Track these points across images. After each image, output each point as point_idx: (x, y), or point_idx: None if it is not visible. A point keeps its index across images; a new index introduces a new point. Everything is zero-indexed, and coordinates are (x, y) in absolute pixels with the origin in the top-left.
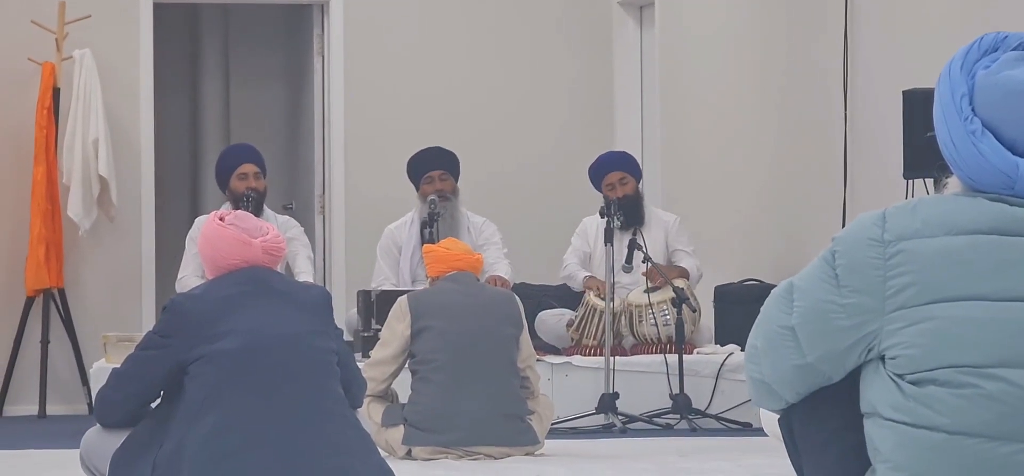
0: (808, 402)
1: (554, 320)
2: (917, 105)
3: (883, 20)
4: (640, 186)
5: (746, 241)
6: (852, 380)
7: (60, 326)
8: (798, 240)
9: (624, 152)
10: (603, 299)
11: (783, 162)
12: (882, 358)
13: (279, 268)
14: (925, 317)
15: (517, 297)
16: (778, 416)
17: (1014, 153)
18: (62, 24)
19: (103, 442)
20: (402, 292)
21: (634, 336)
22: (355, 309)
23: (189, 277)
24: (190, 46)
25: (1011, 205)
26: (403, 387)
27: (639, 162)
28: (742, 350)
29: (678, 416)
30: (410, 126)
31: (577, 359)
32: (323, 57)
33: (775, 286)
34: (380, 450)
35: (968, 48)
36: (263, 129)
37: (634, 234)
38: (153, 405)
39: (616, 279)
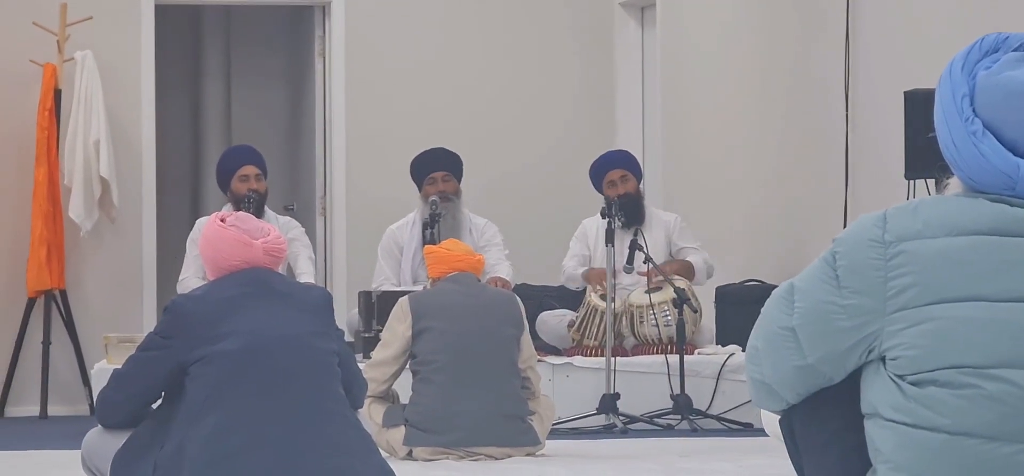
0: (809, 403)
1: (555, 321)
2: (918, 106)
3: (884, 21)
4: (641, 186)
5: (747, 242)
6: (853, 381)
7: (61, 327)
8: (799, 241)
9: (625, 151)
10: (603, 298)
11: (784, 163)
12: (883, 359)
13: (280, 269)
14: (926, 318)
15: (518, 298)
16: (779, 417)
17: (1015, 154)
18: (63, 26)
19: (104, 443)
20: (403, 293)
21: (635, 337)
22: (356, 310)
23: (190, 279)
24: (191, 47)
25: (1012, 206)
26: (404, 388)
27: (640, 163)
28: (743, 351)
29: (679, 417)
30: (411, 127)
31: (578, 360)
32: (324, 58)
33: (776, 287)
34: (381, 451)
35: (969, 49)
36: (264, 130)
37: (635, 234)
38: (154, 406)
39: (617, 280)
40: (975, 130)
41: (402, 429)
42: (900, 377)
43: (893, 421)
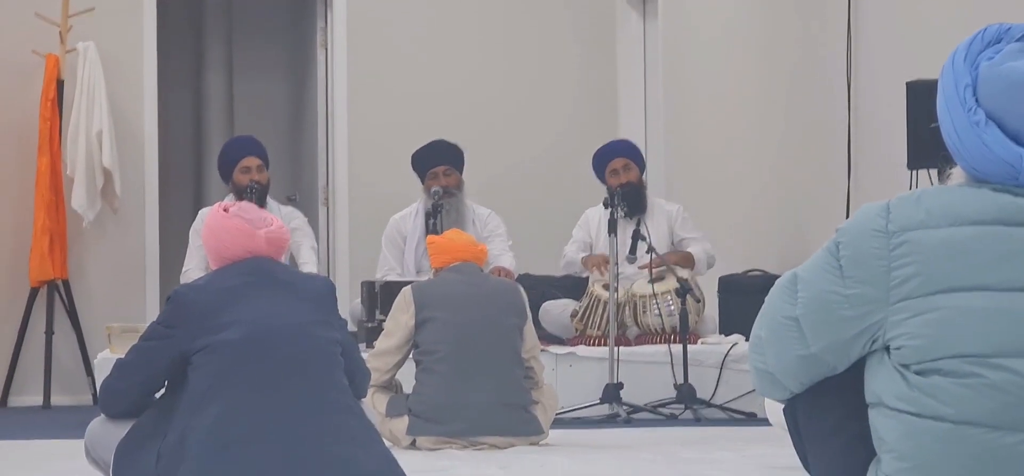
0: (812, 392)
1: (558, 310)
2: (921, 96)
3: (886, 11)
4: (644, 176)
5: (750, 232)
6: (856, 370)
7: (64, 317)
8: (802, 231)
9: (628, 140)
10: (606, 288)
11: (787, 153)
12: (887, 348)
13: (283, 259)
14: (930, 307)
15: (521, 288)
16: (783, 406)
17: (1018, 143)
18: (66, 17)
19: (107, 432)
20: (406, 283)
21: (638, 326)
22: (359, 300)
23: (193, 270)
24: (194, 38)
25: (1015, 195)
26: (408, 377)
27: (643, 154)
28: (746, 340)
29: (682, 406)
30: (413, 118)
31: (581, 349)
32: (326, 49)
33: (779, 277)
34: (384, 440)
35: (971, 39)
36: (267, 121)
37: (638, 224)
38: (157, 395)
39: (620, 269)
40: (978, 120)
41: (405, 419)
42: (904, 366)
43: (897, 410)
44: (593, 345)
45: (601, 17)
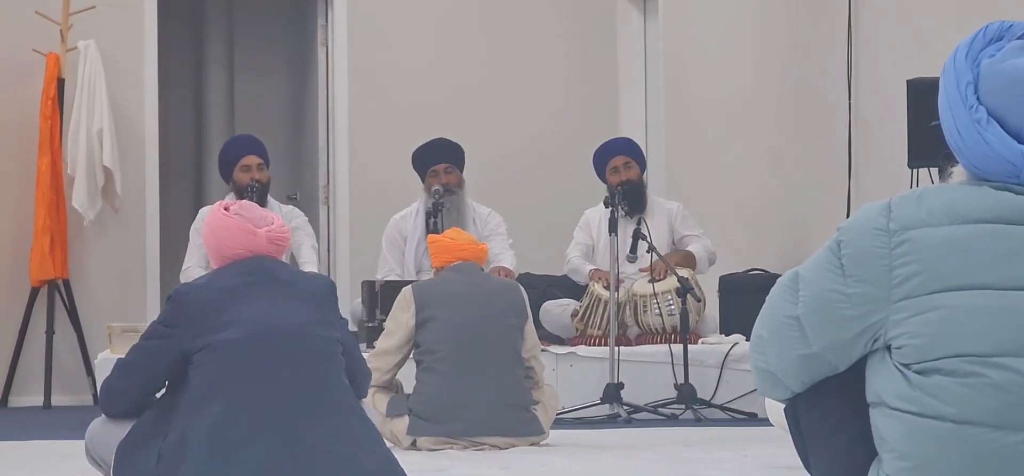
0: (814, 391)
1: (559, 310)
2: (922, 94)
3: (888, 9)
4: (644, 175)
5: (751, 231)
6: (857, 369)
7: (65, 317)
8: (803, 230)
9: (629, 138)
10: (607, 288)
11: (788, 151)
12: (888, 348)
13: (284, 258)
14: (931, 306)
15: (521, 287)
16: (784, 405)
17: (1019, 141)
18: (66, 15)
19: (108, 432)
20: (406, 282)
21: (639, 326)
22: (359, 299)
23: (193, 268)
24: (194, 37)
25: (1017, 194)
26: (408, 377)
27: (643, 152)
28: (747, 340)
29: (683, 406)
30: (414, 116)
31: (582, 349)
32: (327, 47)
33: (780, 276)
34: (385, 440)
35: (973, 37)
36: (267, 119)
37: (638, 224)
38: (158, 395)
39: (621, 269)
40: (979, 118)
41: (406, 419)
42: (905, 366)
43: (898, 410)
44: (594, 345)
45: (602, 15)
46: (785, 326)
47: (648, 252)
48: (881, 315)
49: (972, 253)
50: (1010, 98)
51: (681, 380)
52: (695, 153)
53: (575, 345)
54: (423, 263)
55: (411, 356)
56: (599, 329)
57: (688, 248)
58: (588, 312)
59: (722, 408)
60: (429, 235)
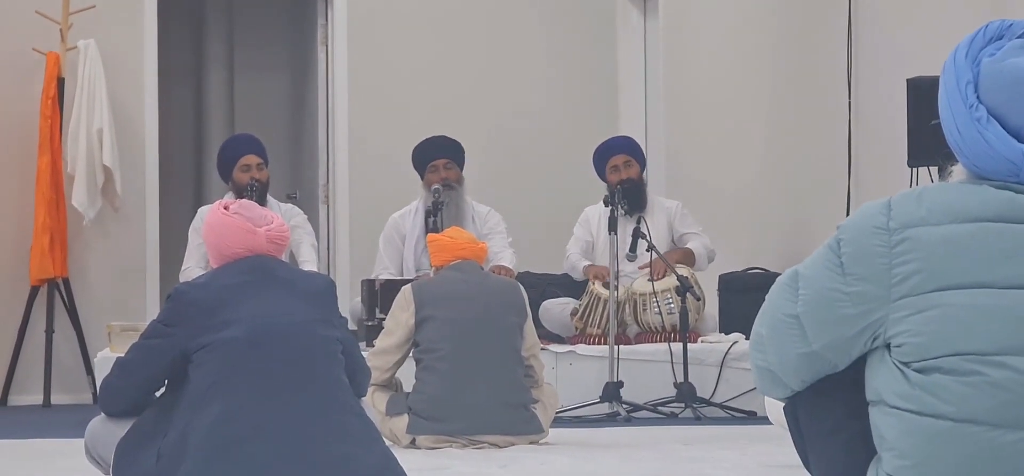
0: (813, 390)
1: (558, 309)
2: (922, 93)
3: (888, 8)
4: (644, 174)
5: (750, 229)
6: (857, 368)
7: (65, 316)
8: (803, 228)
9: (629, 137)
10: (606, 286)
11: (787, 150)
12: (887, 346)
13: (283, 257)
14: (930, 305)
15: (521, 286)
16: (783, 404)
17: (1019, 140)
18: (66, 14)
19: (108, 431)
20: (406, 281)
21: (638, 324)
22: (359, 298)
23: (193, 267)
24: (194, 36)
25: (1017, 192)
26: (408, 376)
27: (643, 151)
28: (747, 338)
29: (682, 405)
30: (414, 115)
31: (581, 348)
32: (327, 47)
33: (780, 274)
34: (385, 439)
35: (973, 36)
36: (267, 119)
37: (638, 222)
38: (157, 394)
39: (620, 267)
40: (979, 117)
41: (405, 417)
42: (905, 364)
43: (898, 408)
44: (593, 343)
45: (602, 14)
46: (785, 324)
47: (648, 251)
48: (881, 313)
49: (972, 252)
50: (1010, 97)
51: (681, 379)
52: (695, 151)
53: (574, 344)
54: (422, 261)
55: (411, 355)
56: (598, 328)
57: (687, 246)
58: (587, 311)
59: (722, 407)
60: (429, 234)
